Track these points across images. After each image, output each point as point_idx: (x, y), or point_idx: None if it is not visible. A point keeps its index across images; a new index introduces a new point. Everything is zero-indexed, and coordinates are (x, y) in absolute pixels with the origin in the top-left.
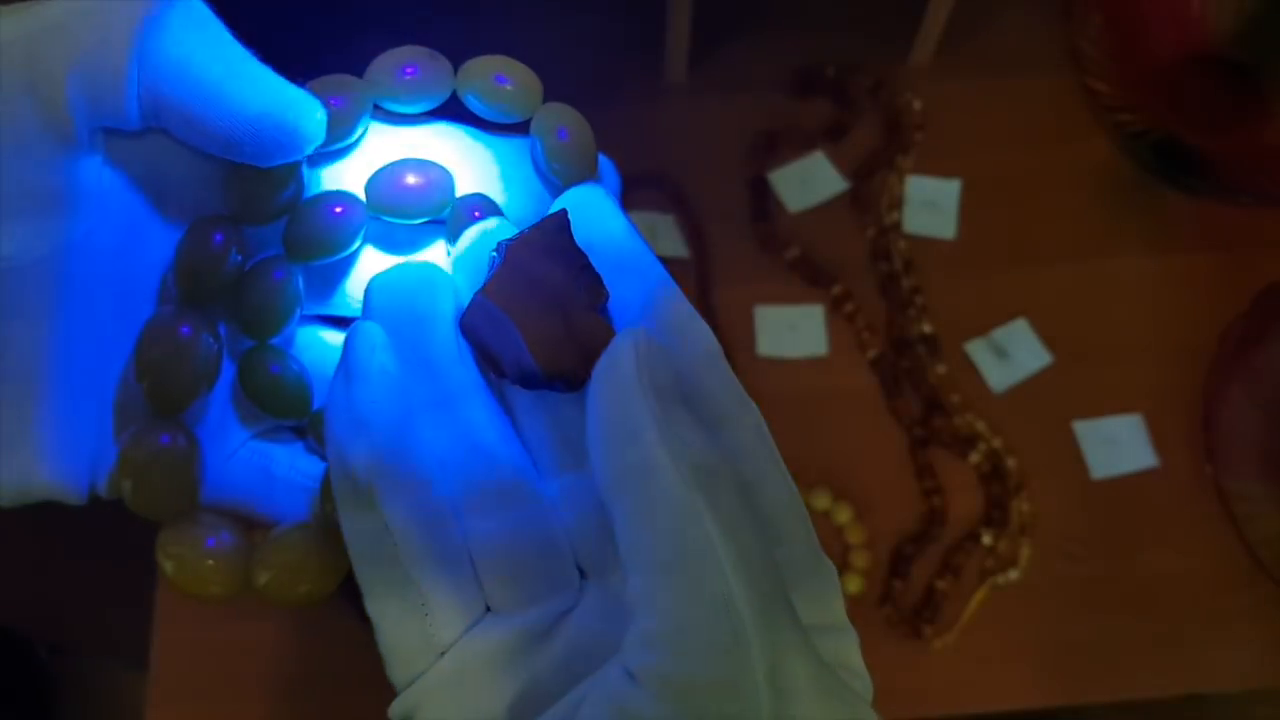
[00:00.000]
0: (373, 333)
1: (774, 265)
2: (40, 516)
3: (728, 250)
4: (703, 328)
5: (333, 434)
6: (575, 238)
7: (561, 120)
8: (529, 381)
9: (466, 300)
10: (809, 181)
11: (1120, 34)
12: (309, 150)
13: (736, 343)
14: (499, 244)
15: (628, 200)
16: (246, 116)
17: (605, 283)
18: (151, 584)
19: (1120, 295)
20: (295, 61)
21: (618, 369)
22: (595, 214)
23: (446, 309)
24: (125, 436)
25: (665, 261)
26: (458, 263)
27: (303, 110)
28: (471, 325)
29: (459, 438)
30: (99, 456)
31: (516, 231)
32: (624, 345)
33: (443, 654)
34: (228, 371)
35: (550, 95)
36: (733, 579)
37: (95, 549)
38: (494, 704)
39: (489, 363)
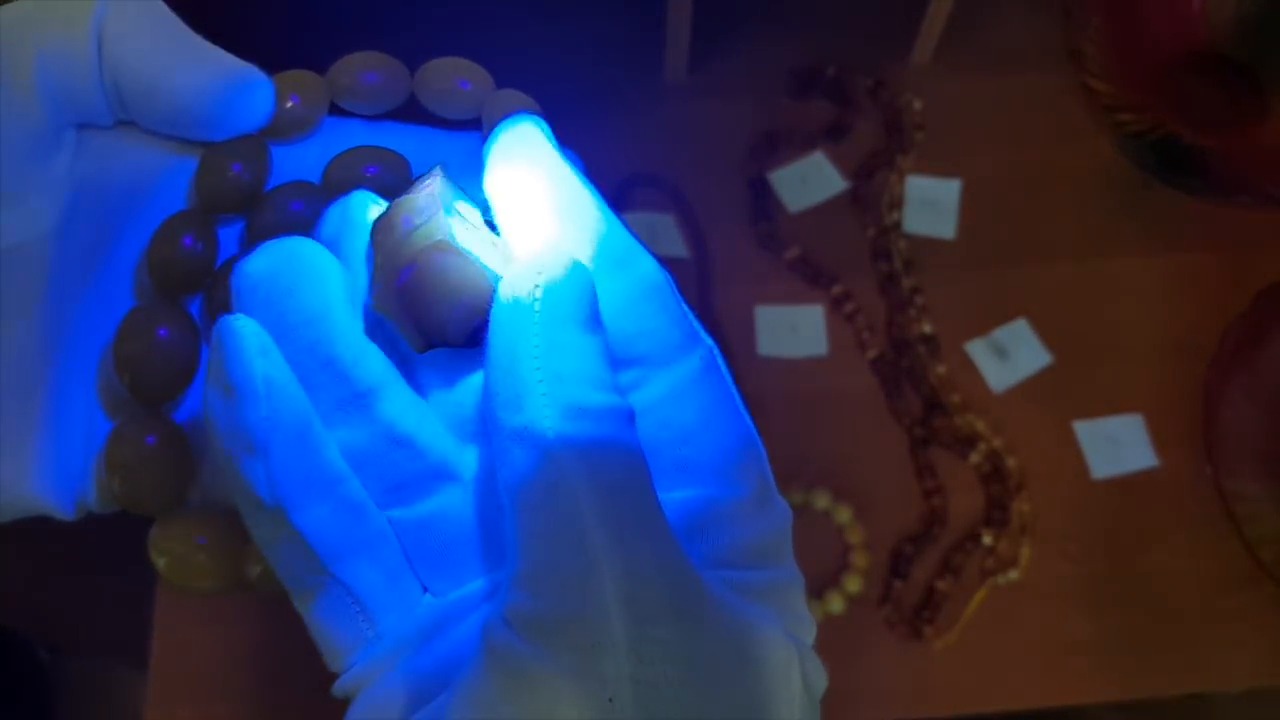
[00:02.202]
0: (250, 337)
1: (774, 265)
2: (40, 516)
3: (728, 250)
4: (645, 258)
5: (226, 455)
6: (502, 179)
7: (513, 110)
8: (443, 342)
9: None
10: (809, 181)
11: (1120, 34)
12: (259, 121)
13: (736, 343)
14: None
15: (628, 200)
16: (196, 88)
17: (539, 222)
18: (151, 584)
19: (1120, 295)
20: (288, 66)
21: (513, 290)
22: (524, 152)
23: (337, 295)
24: (111, 433)
25: (665, 262)
26: (324, 237)
27: (248, 80)
28: (380, 304)
29: (374, 432)
30: (86, 461)
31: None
32: (525, 270)
33: (378, 638)
34: None
35: (550, 95)
36: (588, 513)
37: (95, 549)
38: (425, 678)
39: (409, 336)
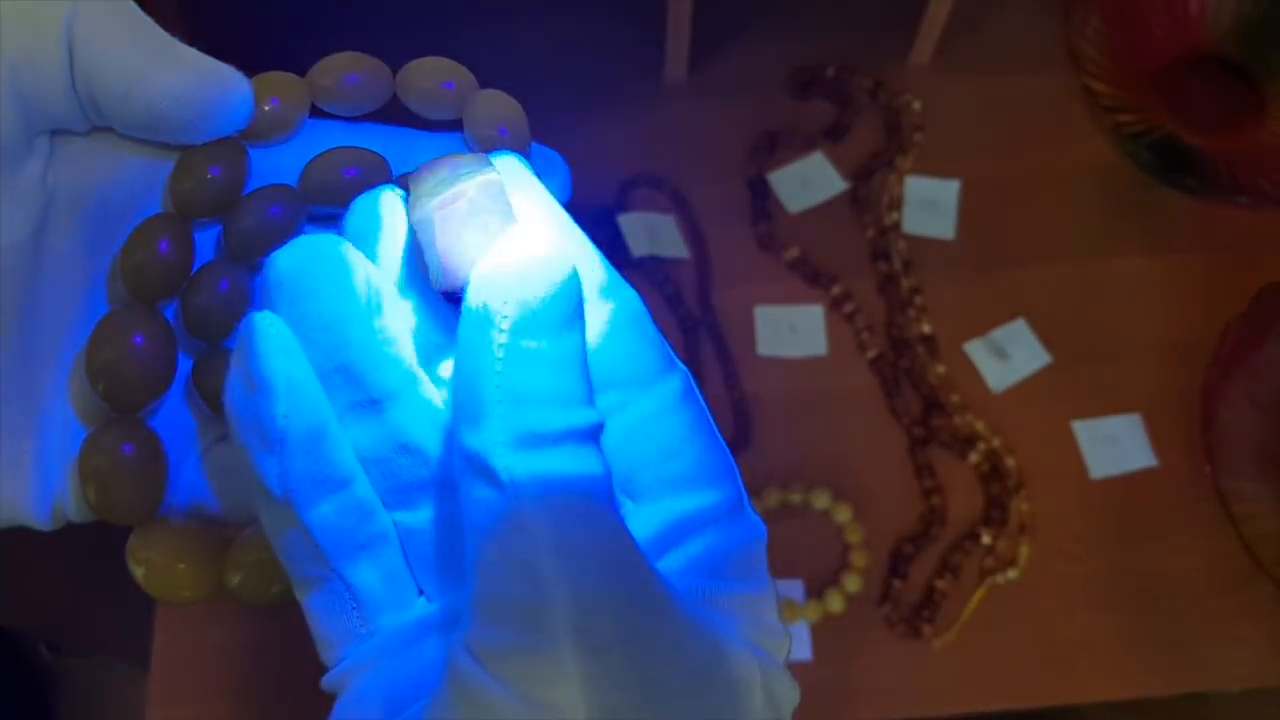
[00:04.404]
0: (275, 334)
1: (774, 265)
2: (18, 526)
3: (728, 250)
4: (626, 288)
5: (242, 446)
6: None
7: (497, 114)
8: (456, 287)
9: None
10: (809, 182)
11: (1119, 34)
12: (238, 124)
13: (737, 343)
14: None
15: (628, 200)
16: (173, 92)
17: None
18: None
19: (1120, 295)
20: (297, 63)
21: (486, 286)
22: (512, 183)
23: (359, 299)
24: (86, 440)
25: (665, 262)
26: (350, 231)
27: (226, 82)
28: (417, 219)
29: (386, 437)
30: (62, 470)
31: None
32: (500, 264)
33: (369, 636)
34: (189, 374)
35: (550, 95)
36: (540, 544)
37: (95, 548)
38: (407, 682)
39: (431, 266)
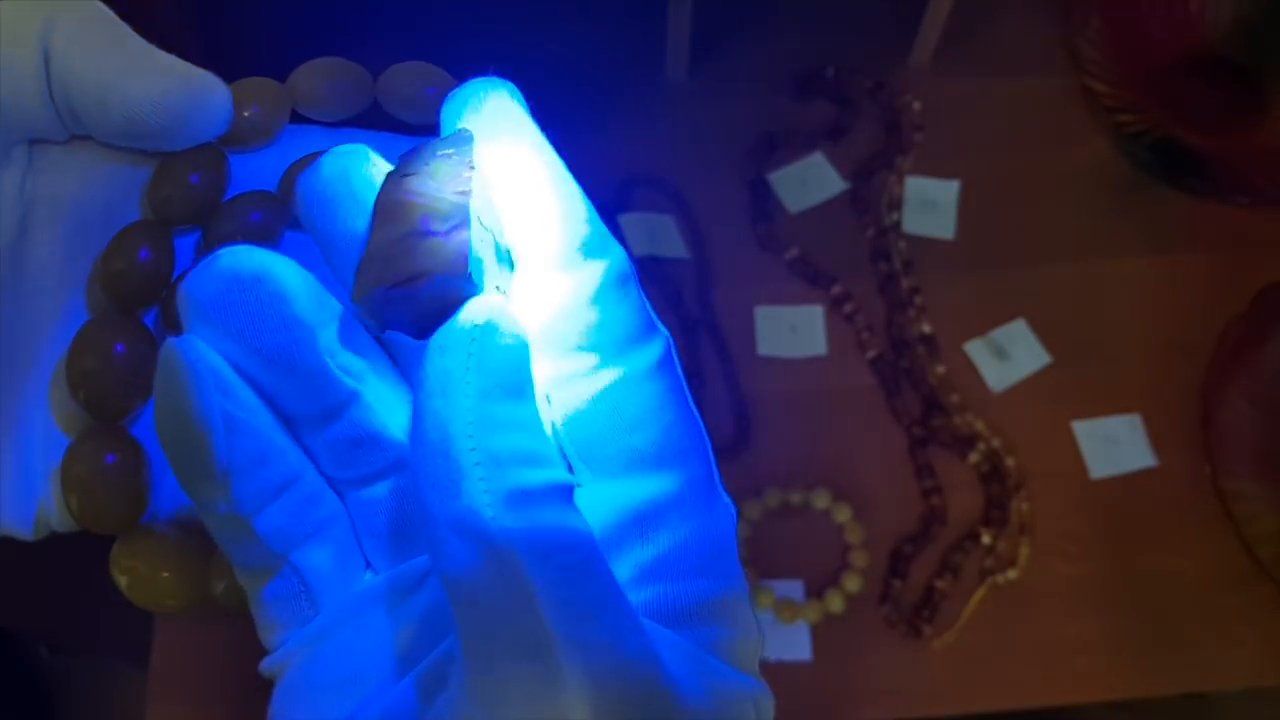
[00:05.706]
0: (204, 373)
1: (774, 265)
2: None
3: (728, 250)
4: (615, 246)
5: (182, 482)
6: (497, 162)
7: None
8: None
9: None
10: (809, 182)
11: (1119, 34)
12: (217, 130)
13: (737, 343)
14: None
15: (628, 200)
16: (150, 99)
17: (509, 204)
18: None
19: (1120, 295)
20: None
21: (445, 354)
22: (512, 130)
23: (300, 326)
24: (68, 449)
25: (665, 262)
26: (313, 192)
27: (205, 89)
28: (360, 294)
29: (338, 437)
30: (45, 479)
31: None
32: (460, 331)
33: (315, 617)
34: None
35: (551, 96)
36: (545, 612)
37: (95, 548)
38: (353, 658)
39: (369, 327)
